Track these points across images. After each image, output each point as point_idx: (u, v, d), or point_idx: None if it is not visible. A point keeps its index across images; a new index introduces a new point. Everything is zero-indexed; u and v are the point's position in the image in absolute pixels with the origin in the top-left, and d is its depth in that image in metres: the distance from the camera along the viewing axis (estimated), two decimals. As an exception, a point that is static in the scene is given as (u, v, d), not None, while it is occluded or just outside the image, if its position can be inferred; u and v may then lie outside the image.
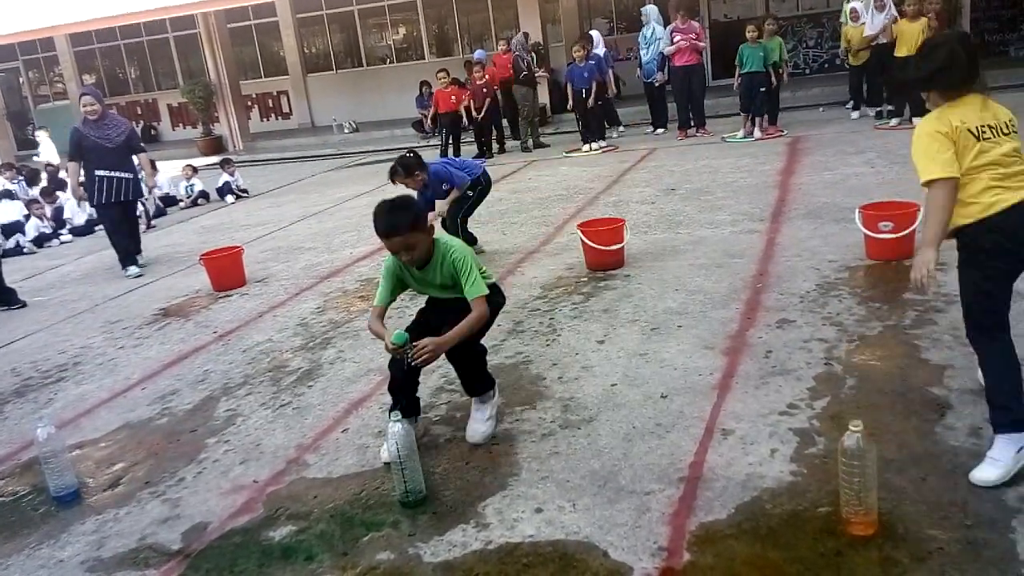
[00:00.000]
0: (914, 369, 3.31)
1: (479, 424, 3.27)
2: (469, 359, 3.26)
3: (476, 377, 3.31)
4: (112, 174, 6.90)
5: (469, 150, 11.54)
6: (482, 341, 3.32)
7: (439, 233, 3.22)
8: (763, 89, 9.53)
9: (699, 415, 3.17)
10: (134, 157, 7.13)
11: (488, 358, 4.02)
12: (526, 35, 12.23)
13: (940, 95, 2.60)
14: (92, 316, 5.98)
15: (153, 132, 19.80)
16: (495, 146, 11.64)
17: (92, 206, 7.53)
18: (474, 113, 11.28)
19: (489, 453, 3.13)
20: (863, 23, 9.44)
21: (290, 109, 19.25)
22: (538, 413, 3.40)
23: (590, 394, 3.50)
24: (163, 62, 20.27)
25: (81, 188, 7.29)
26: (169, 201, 10.80)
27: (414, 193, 5.24)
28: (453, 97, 11.09)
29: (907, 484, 2.54)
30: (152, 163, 8.51)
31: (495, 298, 3.23)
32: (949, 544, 2.24)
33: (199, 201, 10.80)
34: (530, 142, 11.35)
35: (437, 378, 3.90)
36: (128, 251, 7.19)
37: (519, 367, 3.90)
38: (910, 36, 8.33)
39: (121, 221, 7.18)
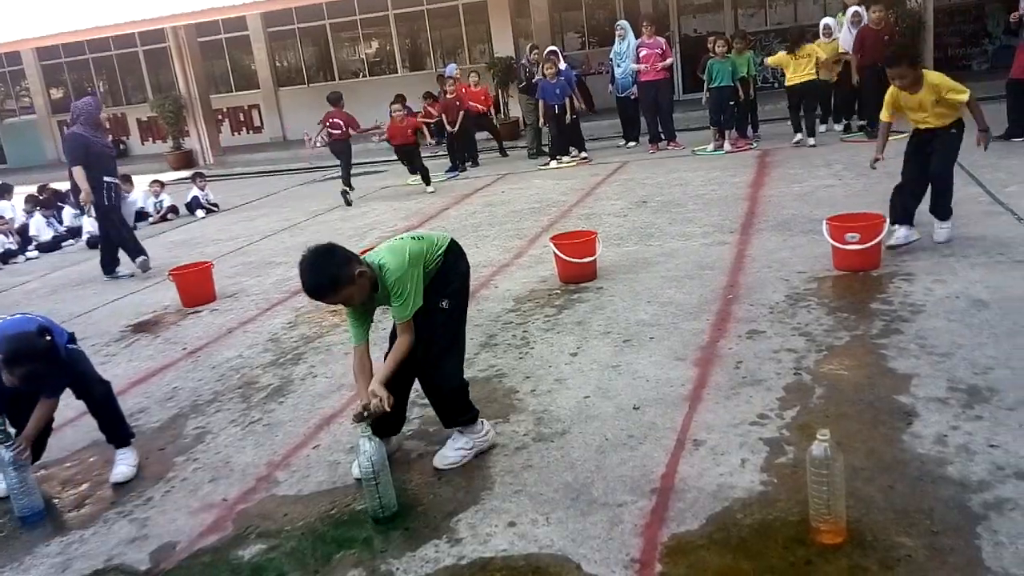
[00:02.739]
0: (881, 378, 3.36)
1: (447, 450, 3.16)
2: (437, 395, 3.15)
3: (449, 409, 3.16)
4: (115, 180, 7.19)
5: (440, 163, 11.55)
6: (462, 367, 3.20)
7: (371, 256, 3.05)
8: (732, 103, 9.65)
9: (671, 426, 3.19)
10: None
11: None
12: (532, 48, 12.22)
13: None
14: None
15: (122, 146, 19.55)
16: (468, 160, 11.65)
17: (98, 209, 7.29)
18: (448, 127, 11.28)
19: (462, 468, 3.11)
20: (835, 39, 9.60)
21: (261, 123, 19.13)
22: (511, 426, 3.39)
23: (563, 407, 3.50)
24: (132, 76, 20.07)
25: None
26: (138, 216, 10.66)
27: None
28: (410, 130, 10.33)
29: (875, 492, 2.57)
30: (127, 177, 8.84)
31: (457, 264, 3.13)
32: (916, 551, 2.27)
33: (168, 216, 10.68)
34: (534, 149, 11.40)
35: (411, 393, 3.87)
36: (137, 244, 7.39)
37: (492, 380, 3.90)
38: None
39: (123, 219, 7.51)
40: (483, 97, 12.13)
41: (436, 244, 3.11)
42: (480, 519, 2.75)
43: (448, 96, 11.32)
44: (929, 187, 4.92)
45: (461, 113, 11.19)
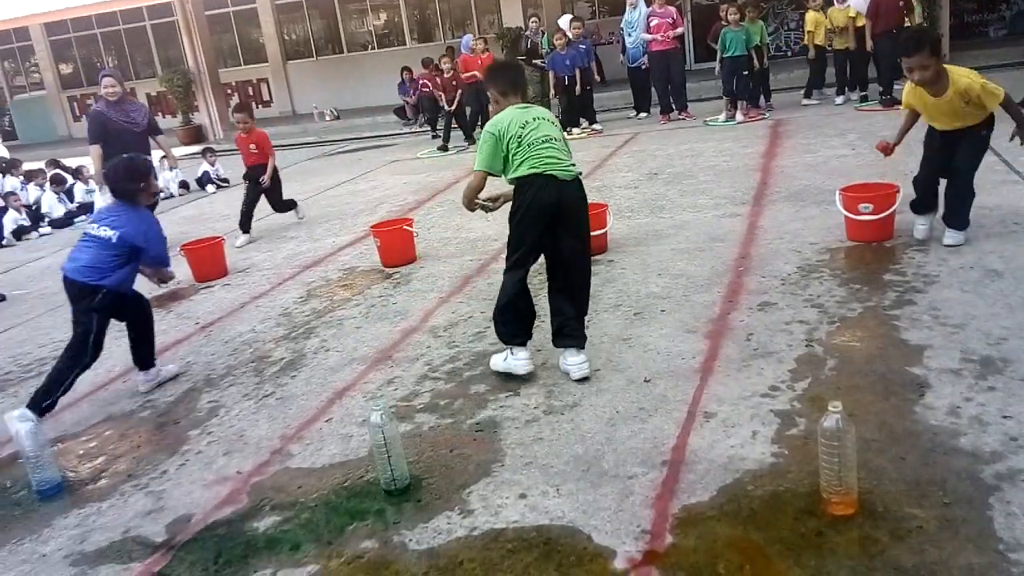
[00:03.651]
0: (893, 349, 3.34)
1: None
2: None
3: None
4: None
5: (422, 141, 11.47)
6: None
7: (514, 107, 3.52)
8: (745, 72, 9.54)
9: (682, 399, 3.19)
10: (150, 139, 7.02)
11: (472, 345, 4.05)
12: (532, 17, 12.10)
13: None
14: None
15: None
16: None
17: None
18: (444, 105, 11.21)
19: (473, 440, 3.13)
20: (848, 4, 9.45)
21: (270, 97, 19.09)
22: (522, 399, 3.40)
23: (573, 380, 3.50)
24: (141, 51, 20.04)
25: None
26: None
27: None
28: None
29: (887, 464, 2.56)
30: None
31: (524, 194, 3.45)
32: (928, 522, 2.27)
33: (179, 191, 10.70)
34: None
35: (421, 366, 3.90)
36: None
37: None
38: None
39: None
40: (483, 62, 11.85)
41: (521, 151, 3.38)
42: (491, 491, 2.76)
43: (445, 75, 11.19)
44: (945, 188, 4.40)
45: (459, 91, 11.04)
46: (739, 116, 9.58)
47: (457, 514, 2.67)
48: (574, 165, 3.48)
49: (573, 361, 3.48)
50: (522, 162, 3.37)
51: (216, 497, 3.02)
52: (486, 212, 3.70)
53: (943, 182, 4.40)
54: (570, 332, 3.49)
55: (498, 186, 3.59)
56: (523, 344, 3.56)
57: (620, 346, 3.78)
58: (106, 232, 3.90)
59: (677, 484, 2.64)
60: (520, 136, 3.38)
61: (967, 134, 4.22)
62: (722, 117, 9.77)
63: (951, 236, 4.39)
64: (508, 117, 3.44)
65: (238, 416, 3.69)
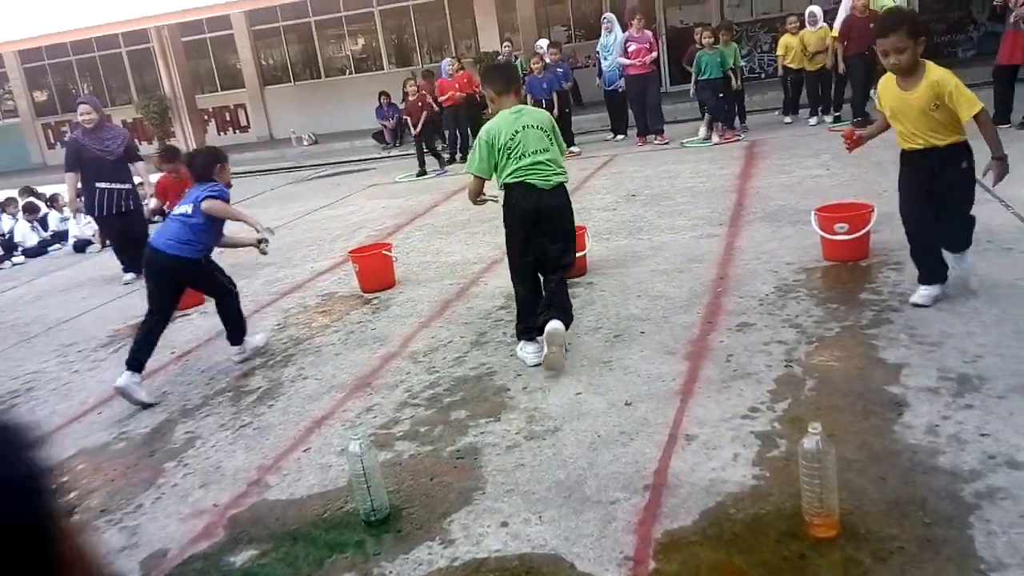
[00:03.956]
0: (872, 368, 3.36)
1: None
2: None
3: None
4: (113, 186, 6.82)
5: (396, 166, 11.49)
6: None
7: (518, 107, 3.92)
8: (721, 95, 9.64)
9: (663, 421, 3.18)
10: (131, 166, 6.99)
11: (452, 370, 4.02)
12: (505, 41, 12.22)
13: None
14: (46, 339, 5.84)
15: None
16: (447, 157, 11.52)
17: (93, 218, 7.39)
18: (411, 129, 11.20)
19: (454, 467, 3.10)
20: (821, 27, 9.61)
21: (248, 122, 19.03)
22: (503, 425, 3.38)
23: (555, 404, 3.49)
24: (116, 77, 19.93)
25: (79, 200, 7.16)
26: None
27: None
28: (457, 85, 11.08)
29: (868, 484, 2.56)
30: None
31: (509, 199, 3.88)
32: (909, 543, 2.27)
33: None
34: None
35: (401, 392, 3.87)
36: (132, 260, 6.86)
37: (483, 379, 3.88)
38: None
39: (122, 232, 7.05)
40: (465, 82, 11.58)
41: (509, 161, 3.80)
42: (473, 519, 2.73)
43: (411, 97, 11.19)
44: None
45: (424, 114, 11.00)
46: (715, 137, 9.67)
47: (438, 544, 2.63)
48: (558, 173, 3.84)
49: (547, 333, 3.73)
50: (508, 171, 3.80)
51: (192, 531, 2.97)
52: (496, 202, 4.10)
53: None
54: (553, 306, 3.81)
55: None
56: (532, 339, 3.93)
57: (601, 369, 3.77)
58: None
59: (659, 509, 2.62)
60: (509, 147, 3.76)
61: (947, 171, 3.70)
62: (701, 132, 9.83)
63: (959, 259, 3.96)
64: (500, 125, 3.79)
65: (215, 447, 3.63)
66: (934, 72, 3.58)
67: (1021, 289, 3.91)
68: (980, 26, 13.90)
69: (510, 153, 3.74)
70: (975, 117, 3.56)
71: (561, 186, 3.83)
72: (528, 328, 3.93)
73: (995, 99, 7.91)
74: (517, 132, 3.74)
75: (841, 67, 9.27)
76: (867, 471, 2.63)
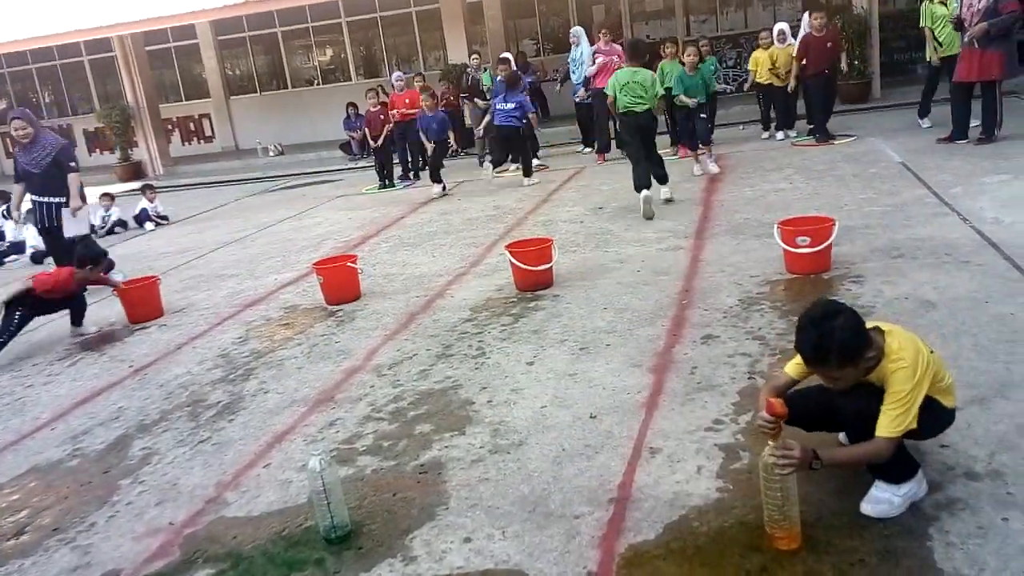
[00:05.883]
0: (833, 381, 3.38)
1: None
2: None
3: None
4: (41, 199, 6.66)
5: (361, 178, 11.44)
6: None
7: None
8: (703, 116, 8.91)
9: (628, 434, 3.17)
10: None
11: (417, 383, 3.98)
12: (473, 55, 12.26)
13: None
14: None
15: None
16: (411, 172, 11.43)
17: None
18: (371, 142, 11.12)
19: (417, 482, 3.06)
20: (790, 44, 9.72)
21: (212, 132, 18.84)
22: (467, 439, 3.34)
23: (520, 417, 3.46)
24: (78, 86, 19.62)
25: (20, 212, 7.06)
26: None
27: None
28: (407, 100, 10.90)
29: (828, 496, 2.57)
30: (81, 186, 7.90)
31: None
32: (870, 555, 2.28)
33: (116, 229, 10.42)
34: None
35: (364, 406, 3.82)
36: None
37: (448, 392, 3.85)
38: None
39: (55, 248, 6.84)
40: (407, 102, 11.02)
41: (621, 96, 6.99)
42: (435, 535, 2.69)
43: (372, 109, 11.12)
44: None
45: (386, 127, 10.91)
46: (713, 167, 8.56)
47: (400, 561, 2.59)
48: (645, 103, 6.87)
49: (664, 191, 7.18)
50: (622, 104, 6.93)
51: (147, 550, 2.88)
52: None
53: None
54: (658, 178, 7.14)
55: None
56: (644, 189, 6.77)
57: (566, 381, 3.76)
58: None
59: (623, 523, 2.61)
60: (622, 88, 6.88)
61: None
62: (712, 168, 8.65)
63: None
64: (623, 77, 6.93)
65: (172, 463, 3.55)
66: (888, 366, 2.39)
67: (979, 302, 3.98)
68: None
69: (622, 91, 6.86)
70: (882, 435, 2.34)
71: (649, 111, 6.93)
72: (639, 186, 6.77)
73: (953, 115, 8.08)
74: (628, 83, 6.83)
75: (791, 85, 9.43)
76: (828, 483, 2.64)
